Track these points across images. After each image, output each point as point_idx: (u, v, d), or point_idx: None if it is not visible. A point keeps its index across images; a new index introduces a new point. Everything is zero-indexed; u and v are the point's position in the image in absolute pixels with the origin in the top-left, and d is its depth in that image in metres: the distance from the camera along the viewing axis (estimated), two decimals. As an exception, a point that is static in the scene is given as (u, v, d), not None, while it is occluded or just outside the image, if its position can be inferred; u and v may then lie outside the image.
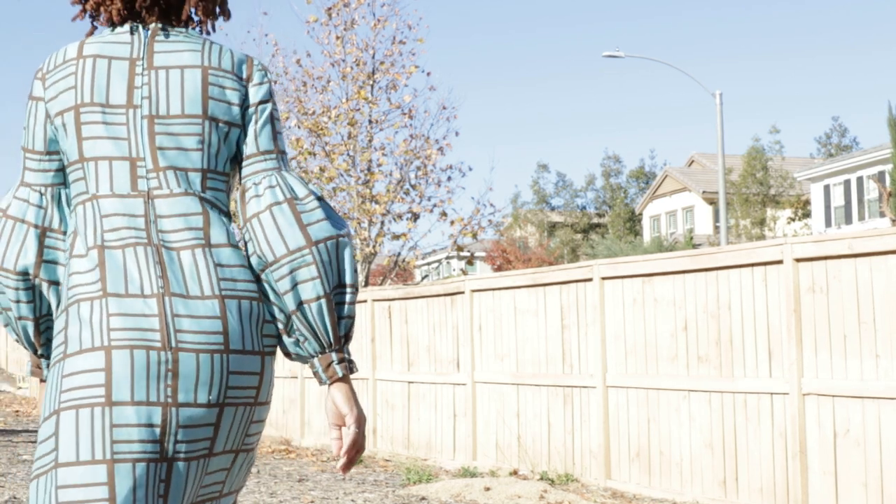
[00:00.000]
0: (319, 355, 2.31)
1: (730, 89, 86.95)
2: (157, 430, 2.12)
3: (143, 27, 2.34)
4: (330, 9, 17.88)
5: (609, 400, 8.53)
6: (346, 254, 2.32)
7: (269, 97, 2.37)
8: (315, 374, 2.33)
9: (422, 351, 10.83)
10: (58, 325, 2.25)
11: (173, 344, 2.14)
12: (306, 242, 2.27)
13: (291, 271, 2.26)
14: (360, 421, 2.30)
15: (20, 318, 2.32)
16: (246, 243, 2.34)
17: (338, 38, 17.79)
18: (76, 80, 2.26)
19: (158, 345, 2.13)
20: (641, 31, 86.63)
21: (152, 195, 2.25)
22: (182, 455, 2.15)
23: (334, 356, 2.30)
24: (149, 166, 2.25)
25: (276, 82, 19.80)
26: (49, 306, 2.34)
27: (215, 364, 2.17)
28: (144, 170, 2.25)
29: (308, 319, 2.28)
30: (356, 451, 2.30)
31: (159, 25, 2.34)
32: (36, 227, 2.30)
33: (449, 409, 10.42)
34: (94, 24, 2.42)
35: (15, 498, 7.31)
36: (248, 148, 2.34)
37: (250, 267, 2.30)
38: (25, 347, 2.39)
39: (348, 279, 2.31)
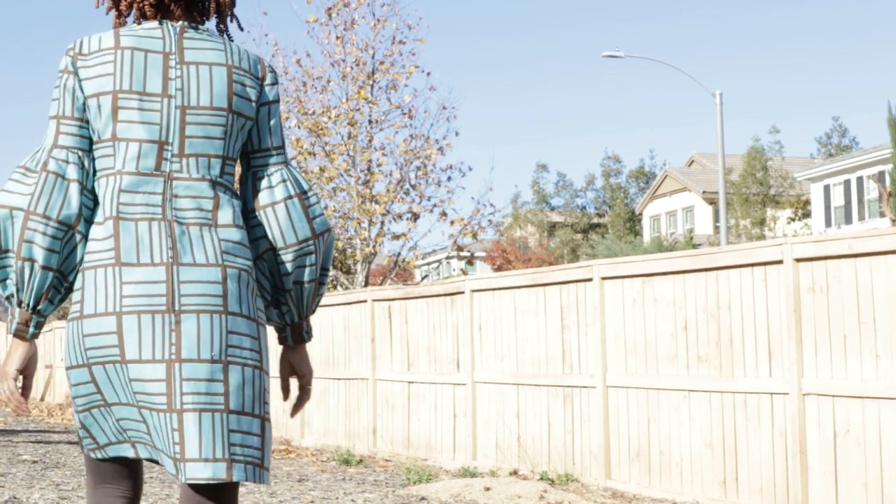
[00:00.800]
0: (294, 324, 2.74)
1: (730, 89, 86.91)
2: (163, 385, 2.42)
3: (171, 24, 2.59)
4: (330, 9, 17.87)
5: (609, 400, 8.53)
6: (333, 243, 2.75)
7: (279, 97, 2.70)
8: (283, 336, 2.76)
9: (422, 351, 10.83)
10: (76, 283, 2.52)
11: (177, 307, 2.44)
12: (312, 234, 2.65)
13: (297, 257, 2.65)
14: (311, 377, 2.82)
15: (45, 267, 2.47)
16: (253, 226, 2.66)
17: (338, 38, 17.79)
18: (115, 68, 2.51)
19: (163, 308, 2.43)
20: (641, 31, 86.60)
21: (172, 176, 2.52)
22: (191, 406, 2.41)
23: (304, 325, 2.75)
24: (174, 151, 2.52)
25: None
26: (64, 262, 2.52)
27: (214, 323, 2.46)
28: (170, 153, 2.52)
29: (299, 296, 2.70)
30: (307, 400, 2.82)
31: (185, 23, 2.60)
32: (78, 182, 2.51)
33: (449, 409, 10.42)
34: (125, 18, 2.66)
35: (15, 498, 7.30)
36: (263, 142, 2.67)
37: (249, 246, 2.62)
38: (22, 302, 2.49)
39: (329, 264, 2.75)
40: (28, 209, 2.45)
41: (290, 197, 2.64)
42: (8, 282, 2.50)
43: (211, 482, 2.42)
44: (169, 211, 2.50)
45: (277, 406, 13.52)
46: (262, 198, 2.64)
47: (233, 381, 2.47)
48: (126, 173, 2.50)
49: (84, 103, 2.54)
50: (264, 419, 2.53)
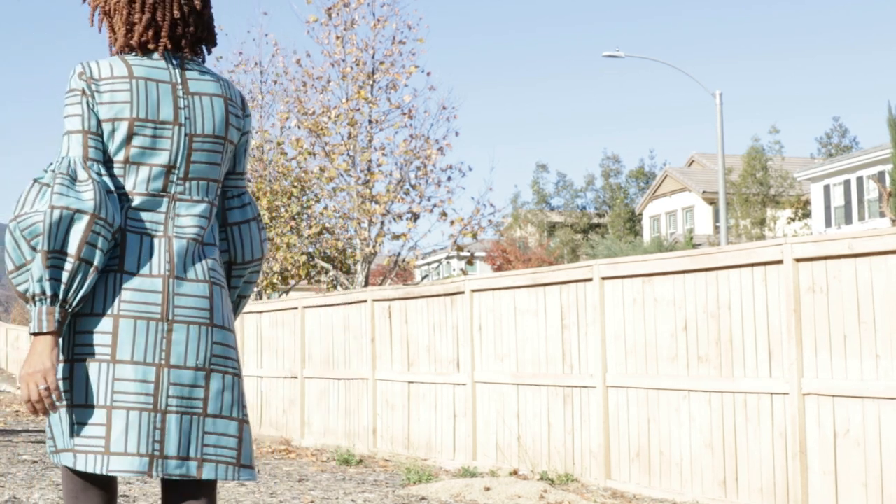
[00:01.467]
0: None
1: (730, 89, 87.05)
2: (151, 386, 2.61)
3: (174, 57, 2.79)
4: (330, 9, 17.86)
5: (609, 400, 8.53)
6: None
7: (251, 127, 2.93)
8: None
9: (422, 351, 10.83)
10: None
11: (170, 316, 2.65)
12: (262, 255, 2.98)
13: (250, 273, 2.97)
14: None
15: (97, 269, 2.60)
16: (219, 240, 2.91)
17: (338, 38, 17.78)
18: (131, 97, 2.68)
19: (158, 316, 2.63)
20: (641, 31, 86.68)
21: (176, 197, 2.73)
22: (174, 409, 2.63)
23: None
24: (180, 175, 2.73)
25: (276, 82, 19.80)
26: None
27: (202, 334, 2.68)
28: (176, 177, 2.73)
29: (235, 308, 2.99)
30: None
31: (184, 55, 2.82)
32: (115, 193, 2.67)
33: (449, 409, 10.42)
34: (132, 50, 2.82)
35: (15, 498, 7.31)
36: (238, 166, 2.94)
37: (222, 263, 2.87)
38: (67, 301, 2.57)
39: None
40: (94, 213, 2.57)
41: (255, 218, 2.94)
42: (54, 282, 2.56)
43: (184, 479, 2.66)
44: (171, 228, 2.70)
45: (277, 406, 13.52)
46: (234, 215, 2.92)
47: (213, 387, 2.70)
48: (136, 194, 2.69)
49: (99, 125, 2.68)
50: (242, 422, 2.75)
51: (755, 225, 43.18)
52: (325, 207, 18.23)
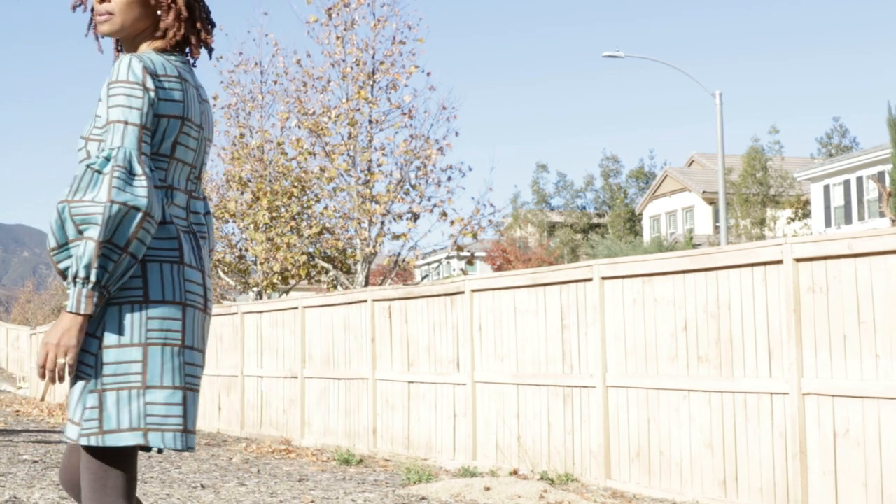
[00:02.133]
0: None
1: (730, 89, 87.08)
2: (200, 370, 2.92)
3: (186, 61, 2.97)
4: (330, 9, 17.86)
5: (609, 400, 8.53)
6: None
7: None
8: None
9: (422, 351, 10.83)
10: (134, 271, 2.81)
11: (207, 307, 2.95)
12: (214, 246, 3.30)
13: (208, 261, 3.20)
14: None
15: (138, 260, 2.75)
16: None
17: (338, 38, 17.78)
18: (183, 97, 2.87)
19: (202, 306, 2.91)
20: (641, 31, 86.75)
21: (192, 195, 2.98)
22: (193, 388, 2.90)
23: None
24: (195, 174, 2.98)
25: (276, 82, 19.79)
26: None
27: (208, 323, 2.99)
28: (193, 175, 2.97)
29: None
30: None
31: (190, 59, 3.00)
32: (158, 189, 2.82)
33: (449, 409, 10.42)
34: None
35: (15, 498, 7.31)
36: None
37: None
38: (107, 288, 2.71)
39: None
40: (147, 210, 2.71)
41: (211, 211, 3.22)
42: (100, 270, 2.69)
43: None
44: (191, 224, 2.96)
45: (277, 406, 13.52)
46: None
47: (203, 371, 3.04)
48: (175, 189, 2.89)
49: (154, 120, 2.82)
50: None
51: (755, 225, 43.19)
52: (326, 207, 18.23)
